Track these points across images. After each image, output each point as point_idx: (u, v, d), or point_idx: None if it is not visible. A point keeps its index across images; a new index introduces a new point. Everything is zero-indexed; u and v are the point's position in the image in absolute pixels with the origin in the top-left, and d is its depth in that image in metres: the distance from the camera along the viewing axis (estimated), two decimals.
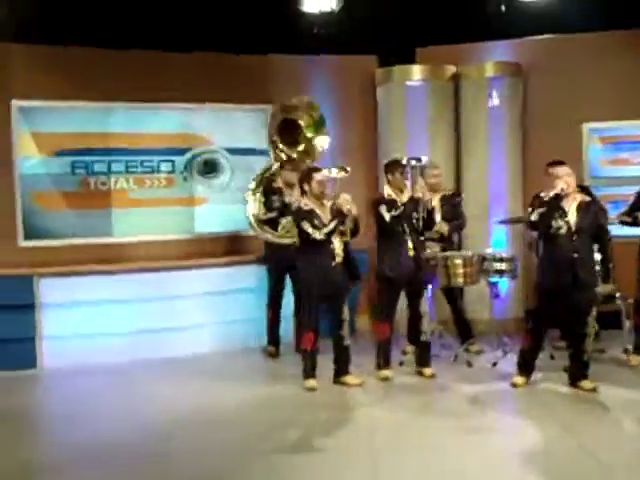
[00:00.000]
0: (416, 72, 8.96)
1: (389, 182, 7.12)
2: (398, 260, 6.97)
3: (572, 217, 6.46)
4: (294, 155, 8.16)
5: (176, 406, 6.53)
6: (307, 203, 6.86)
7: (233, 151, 9.22)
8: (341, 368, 6.88)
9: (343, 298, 6.85)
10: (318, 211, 6.82)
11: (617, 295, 7.45)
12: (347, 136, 9.18)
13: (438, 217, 7.47)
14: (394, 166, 7.13)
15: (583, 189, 7.72)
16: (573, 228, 6.44)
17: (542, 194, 7.56)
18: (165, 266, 8.36)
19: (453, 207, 7.76)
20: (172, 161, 9.00)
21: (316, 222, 6.74)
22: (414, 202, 6.98)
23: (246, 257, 8.68)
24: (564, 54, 8.95)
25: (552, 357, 7.39)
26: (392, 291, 7.09)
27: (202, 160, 9.10)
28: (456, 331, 7.91)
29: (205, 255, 8.71)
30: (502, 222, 8.02)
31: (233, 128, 9.18)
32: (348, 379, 6.85)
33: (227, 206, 9.04)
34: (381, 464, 5.17)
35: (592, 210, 6.54)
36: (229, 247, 9.01)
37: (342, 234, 6.86)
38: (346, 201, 6.74)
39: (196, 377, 7.39)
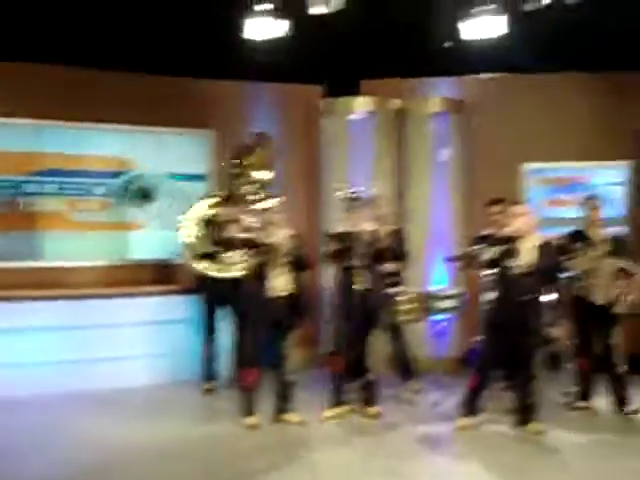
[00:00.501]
0: (360, 104, 8.87)
1: (345, 216, 6.96)
2: (347, 294, 6.82)
3: (527, 257, 6.36)
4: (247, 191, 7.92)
5: (107, 443, 6.16)
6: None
7: (170, 176, 8.92)
8: (281, 405, 6.63)
9: (284, 334, 6.62)
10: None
11: (559, 337, 7.41)
12: (289, 166, 9.00)
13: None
14: (347, 201, 7.00)
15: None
16: (527, 269, 6.35)
17: (485, 232, 7.55)
18: (96, 293, 8.01)
19: (400, 243, 7.63)
20: (107, 184, 8.66)
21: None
22: (362, 235, 6.83)
23: (177, 287, 8.35)
24: (507, 93, 9.02)
25: (495, 397, 7.28)
26: (343, 325, 6.89)
27: (138, 184, 8.78)
28: (396, 368, 7.72)
29: (137, 283, 8.36)
30: (451, 259, 7.91)
31: (171, 153, 8.90)
32: (289, 417, 6.60)
33: (163, 232, 8.72)
34: None
35: (550, 251, 6.48)
36: (160, 275, 8.67)
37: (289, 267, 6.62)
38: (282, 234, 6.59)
39: (128, 411, 7.04)
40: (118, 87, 8.53)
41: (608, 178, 8.93)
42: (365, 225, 6.83)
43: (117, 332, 7.87)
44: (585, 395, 7.11)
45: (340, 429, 6.60)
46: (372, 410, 6.85)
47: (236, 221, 7.86)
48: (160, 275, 8.61)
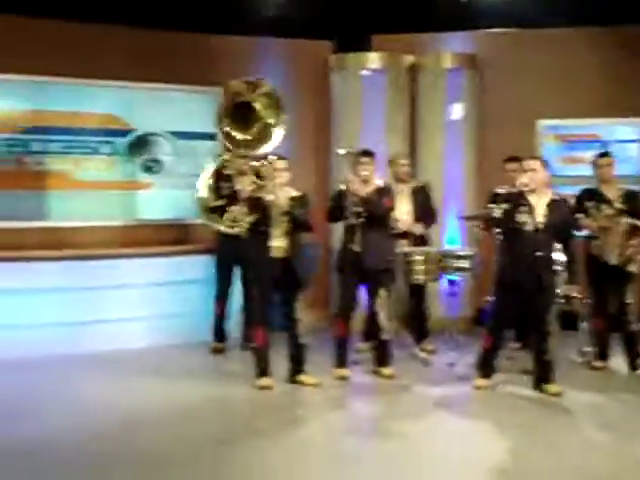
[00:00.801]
0: (372, 60, 8.67)
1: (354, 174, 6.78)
2: (345, 255, 6.70)
3: (540, 214, 6.24)
4: (247, 138, 7.72)
5: (120, 405, 6.07)
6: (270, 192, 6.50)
7: (178, 135, 8.75)
8: (295, 367, 6.54)
9: (292, 295, 6.49)
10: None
11: (575, 296, 7.30)
12: (299, 123, 8.79)
13: (406, 209, 7.21)
14: (354, 156, 6.82)
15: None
16: (539, 225, 6.22)
17: (500, 190, 7.41)
18: (104, 254, 7.88)
19: (425, 201, 7.52)
20: (113, 143, 8.49)
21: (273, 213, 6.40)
22: (366, 196, 6.67)
23: (192, 246, 8.25)
24: (521, 49, 8.81)
25: (509, 358, 7.20)
26: (343, 286, 6.80)
27: (145, 143, 8.61)
28: (411, 329, 7.64)
29: (147, 243, 8.24)
30: (465, 218, 7.78)
31: (178, 110, 8.71)
32: (304, 378, 6.51)
33: (172, 192, 8.60)
34: (342, 469, 4.87)
35: (562, 209, 6.34)
36: (172, 235, 8.56)
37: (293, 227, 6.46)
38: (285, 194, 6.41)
39: (139, 374, 6.93)
40: (122, 43, 8.33)
41: (623, 135, 8.74)
42: (365, 184, 6.68)
43: (126, 293, 7.77)
44: (602, 355, 7.04)
45: (354, 390, 6.53)
46: (386, 371, 6.76)
47: (244, 173, 7.70)
48: (171, 235, 8.48)
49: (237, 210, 7.54)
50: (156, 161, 8.66)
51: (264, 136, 7.70)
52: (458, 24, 8.97)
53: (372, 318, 6.88)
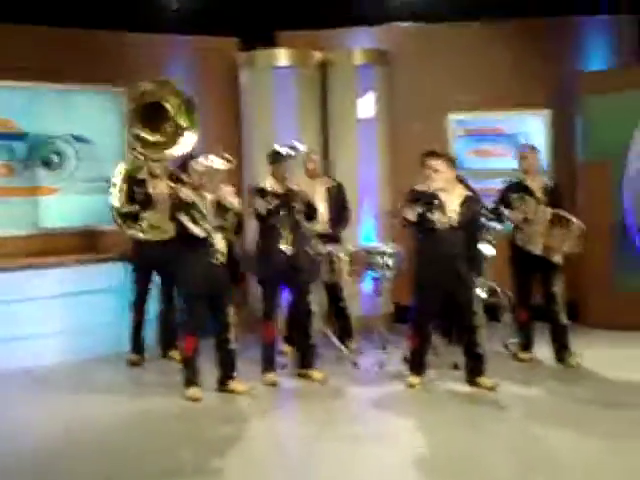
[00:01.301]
0: (282, 57, 8.49)
1: (272, 173, 6.62)
2: (271, 256, 6.52)
3: (453, 211, 6.24)
4: (157, 140, 7.43)
5: (33, 427, 5.69)
6: (188, 194, 6.22)
7: (79, 138, 8.31)
8: (226, 374, 6.30)
9: (226, 299, 6.28)
10: (199, 202, 6.20)
11: (497, 289, 7.36)
12: (207, 122, 8.52)
13: (322, 207, 7.08)
14: (275, 157, 6.64)
15: (460, 181, 7.62)
16: (453, 223, 6.22)
17: (419, 187, 7.37)
18: (9, 266, 7.39)
19: (340, 201, 7.41)
20: (9, 147, 7.98)
21: (197, 216, 6.12)
22: (292, 194, 6.55)
23: (101, 254, 7.86)
24: (429, 43, 8.82)
25: (435, 353, 7.17)
26: (269, 289, 6.62)
27: (46, 147, 8.15)
28: (335, 329, 7.52)
29: (52, 252, 7.79)
30: (387, 214, 7.70)
31: (81, 112, 8.28)
32: (234, 386, 6.28)
33: (77, 197, 8.18)
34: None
35: (473, 205, 6.36)
36: (79, 243, 8.13)
37: (223, 230, 6.27)
38: (228, 194, 6.17)
39: (53, 391, 6.58)
40: (21, 40, 7.85)
41: (529, 127, 8.88)
42: (295, 182, 6.55)
43: (31, 306, 7.32)
44: (527, 345, 7.09)
45: (286, 396, 6.36)
46: (317, 374, 6.61)
47: (157, 177, 7.42)
48: (78, 243, 8.06)
49: (153, 216, 7.28)
50: (56, 163, 8.19)
51: (175, 137, 7.48)
52: (364, 20, 8.91)
53: (295, 319, 6.74)
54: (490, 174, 8.67)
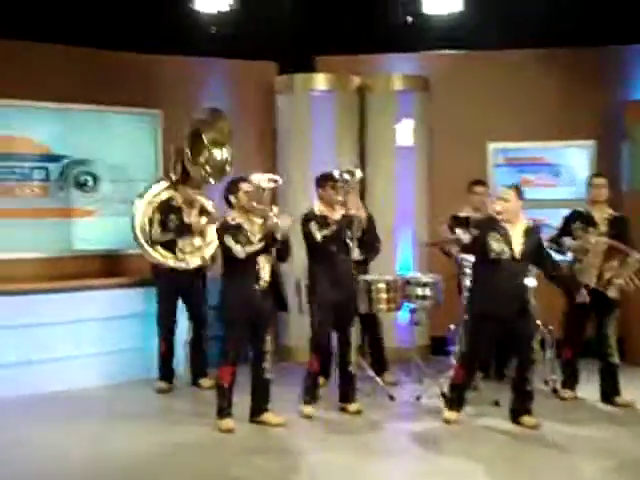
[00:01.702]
0: (320, 81, 8.36)
1: (320, 197, 6.45)
2: (329, 284, 6.32)
3: (517, 242, 6.01)
4: (199, 171, 7.30)
5: (60, 455, 5.50)
6: (234, 217, 6.07)
7: (113, 160, 8.20)
8: (260, 405, 6.10)
9: (266, 327, 6.07)
10: (246, 226, 6.02)
11: (539, 323, 7.10)
12: (243, 147, 8.43)
13: None
14: (325, 180, 6.47)
15: None
16: (518, 254, 5.99)
17: (462, 214, 7.20)
18: (36, 288, 7.23)
19: (370, 229, 7.20)
20: (46, 168, 7.89)
21: (241, 238, 5.94)
22: (348, 220, 6.35)
23: (128, 279, 7.69)
24: (471, 70, 8.65)
25: (475, 388, 6.93)
26: (322, 319, 6.35)
27: (79, 169, 8.05)
28: (371, 360, 7.30)
29: (83, 276, 7.66)
30: (428, 245, 7.51)
31: (115, 134, 8.19)
32: (268, 418, 6.07)
33: (108, 220, 8.07)
34: None
35: (536, 235, 6.14)
36: (109, 267, 8.01)
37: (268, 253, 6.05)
38: (284, 219, 5.93)
39: (77, 418, 6.38)
40: (55, 61, 7.81)
41: (573, 158, 8.67)
42: (353, 209, 6.38)
43: (62, 330, 7.18)
44: (570, 383, 6.81)
45: (322, 429, 6.12)
46: (353, 407, 6.40)
47: (193, 205, 7.29)
48: (109, 267, 7.95)
49: (190, 245, 7.15)
50: (90, 186, 8.09)
51: (219, 170, 7.33)
52: (404, 45, 8.78)
53: (332, 351, 6.55)
54: (531, 204, 8.46)
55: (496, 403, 6.49)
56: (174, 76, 8.33)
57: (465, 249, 6.34)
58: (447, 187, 8.24)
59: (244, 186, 6.04)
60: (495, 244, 5.97)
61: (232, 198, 6.06)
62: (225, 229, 5.95)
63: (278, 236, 5.86)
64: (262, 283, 5.96)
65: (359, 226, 6.34)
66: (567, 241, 6.64)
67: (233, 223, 5.98)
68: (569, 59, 8.53)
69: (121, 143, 8.23)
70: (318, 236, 6.23)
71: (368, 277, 6.84)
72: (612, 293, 6.42)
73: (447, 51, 8.79)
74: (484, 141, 8.65)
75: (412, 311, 7.11)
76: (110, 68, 8.03)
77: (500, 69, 8.58)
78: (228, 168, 7.31)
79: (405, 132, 8.36)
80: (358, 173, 6.46)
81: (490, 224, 6.08)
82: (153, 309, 7.32)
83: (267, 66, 8.71)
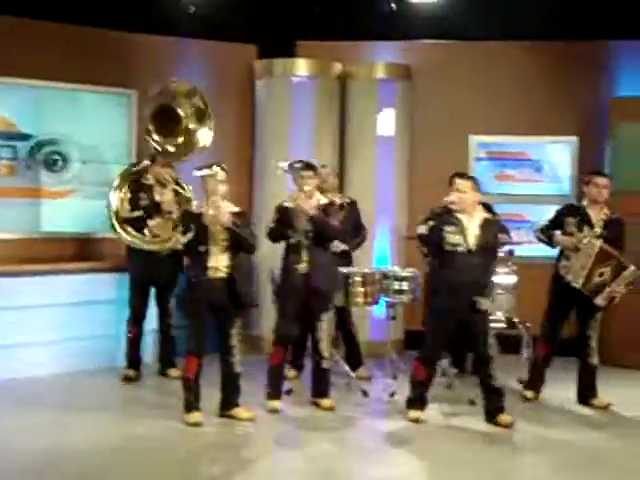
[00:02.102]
0: (301, 67, 8.15)
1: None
2: (286, 275, 6.16)
3: (472, 234, 5.87)
4: (170, 149, 7.09)
5: (10, 448, 5.24)
6: (200, 204, 5.85)
7: (85, 140, 7.92)
8: (230, 399, 5.90)
9: (229, 321, 5.85)
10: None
11: (517, 320, 6.98)
12: (220, 132, 8.19)
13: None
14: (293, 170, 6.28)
15: (484, 206, 7.25)
16: (473, 247, 5.86)
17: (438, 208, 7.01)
18: (5, 271, 6.97)
19: (352, 218, 7.03)
20: (14, 147, 7.61)
21: (191, 226, 5.75)
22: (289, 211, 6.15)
23: (101, 264, 7.47)
24: (454, 61, 8.48)
25: (449, 386, 6.80)
26: (286, 310, 6.20)
27: (49, 148, 7.77)
28: (345, 355, 7.13)
29: (52, 260, 7.40)
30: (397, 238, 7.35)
31: (87, 113, 7.91)
32: (238, 412, 5.88)
33: (82, 202, 7.78)
34: None
35: (493, 229, 5.98)
36: (81, 250, 7.74)
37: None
38: (213, 206, 5.72)
39: (37, 406, 6.13)
40: (25, 37, 7.49)
41: (555, 154, 8.53)
42: (313, 199, 6.16)
43: (29, 314, 6.92)
44: (535, 384, 6.63)
45: (293, 425, 5.94)
46: (326, 402, 6.22)
47: (165, 185, 7.06)
48: (80, 250, 7.68)
49: (158, 224, 6.94)
50: (60, 167, 7.82)
51: (190, 146, 7.14)
52: (388, 33, 8.57)
53: (303, 344, 6.40)
54: (511, 199, 8.35)
55: (472, 402, 6.34)
56: (151, 56, 8.07)
57: (422, 241, 6.17)
58: (427, 179, 8.08)
59: (203, 172, 5.81)
60: (450, 236, 5.84)
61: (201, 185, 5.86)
62: (181, 216, 5.77)
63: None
64: (211, 273, 5.74)
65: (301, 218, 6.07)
66: (558, 235, 6.46)
67: (194, 211, 5.78)
68: (555, 53, 8.36)
69: (94, 123, 7.93)
70: (270, 224, 6.12)
71: (345, 270, 6.64)
72: (600, 301, 6.22)
73: (431, 40, 8.58)
74: (466, 134, 8.48)
75: (389, 305, 6.95)
76: (84, 45, 7.74)
77: (484, 61, 8.42)
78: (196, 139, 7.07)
79: (386, 121, 8.17)
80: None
81: (446, 216, 5.94)
82: (126, 295, 7.10)
83: (247, 49, 8.48)
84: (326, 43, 8.51)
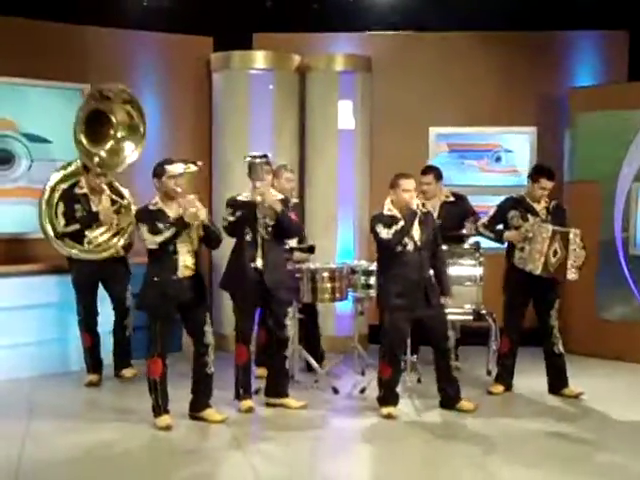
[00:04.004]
0: (259, 59, 7.98)
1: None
2: (241, 272, 5.99)
3: (416, 232, 5.87)
4: (100, 154, 6.83)
5: None
6: (157, 202, 5.67)
7: (32, 137, 7.65)
8: (201, 401, 5.74)
9: (200, 319, 5.70)
10: (169, 212, 5.63)
11: (484, 312, 6.94)
12: (177, 126, 8.04)
13: None
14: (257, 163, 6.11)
15: (458, 197, 7.21)
16: (420, 243, 5.86)
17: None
18: None
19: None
20: None
21: (160, 226, 5.54)
22: (253, 205, 5.97)
23: (38, 266, 7.16)
24: (413, 52, 8.42)
25: (420, 381, 6.74)
26: (243, 308, 6.08)
27: None
28: (309, 352, 7.00)
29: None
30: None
31: (34, 108, 7.61)
32: (209, 414, 5.72)
33: (24, 202, 7.49)
34: None
35: (430, 222, 5.97)
36: (19, 252, 7.43)
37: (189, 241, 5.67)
38: (189, 203, 5.55)
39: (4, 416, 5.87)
40: None
41: (515, 145, 8.52)
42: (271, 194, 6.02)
43: None
44: (503, 378, 6.61)
45: (264, 425, 5.82)
46: (292, 402, 6.09)
47: (101, 193, 6.81)
48: (17, 252, 7.39)
49: (98, 235, 6.72)
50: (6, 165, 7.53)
51: (117, 154, 6.88)
52: (346, 25, 8.49)
53: (268, 342, 6.22)
54: (472, 191, 8.30)
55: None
56: (103, 49, 7.85)
57: (383, 245, 5.99)
58: (388, 173, 7.96)
59: (170, 170, 5.63)
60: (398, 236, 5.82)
61: (156, 182, 5.66)
62: (141, 216, 5.61)
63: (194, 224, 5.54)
64: (181, 273, 5.59)
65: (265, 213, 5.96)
66: (506, 232, 6.47)
67: (153, 209, 5.61)
68: (514, 43, 8.35)
69: (42, 119, 7.66)
70: (228, 220, 5.95)
71: (312, 266, 6.53)
72: (572, 276, 6.24)
73: (390, 32, 8.50)
74: (426, 125, 8.43)
75: (357, 300, 6.85)
76: (32, 38, 7.49)
77: (443, 52, 8.37)
78: (121, 167, 6.86)
79: (346, 113, 8.07)
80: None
81: (390, 218, 5.89)
82: (66, 298, 6.88)
83: (203, 41, 8.29)
84: (284, 35, 8.38)
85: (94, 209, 6.74)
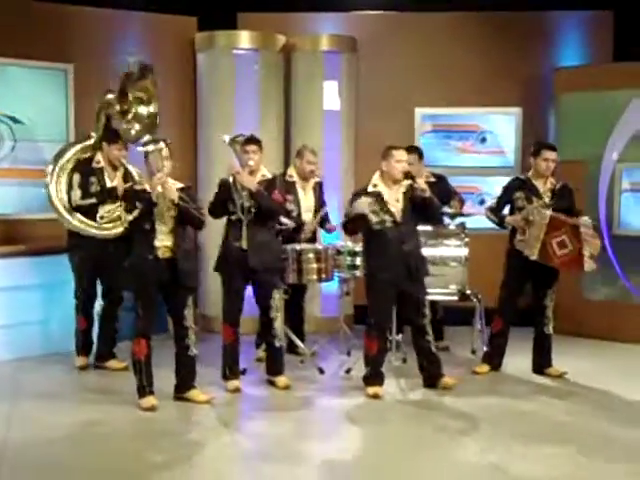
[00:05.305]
0: (243, 39, 7.94)
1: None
2: (227, 252, 6.02)
3: (394, 206, 5.87)
4: (129, 130, 6.78)
5: None
6: (142, 181, 5.65)
7: (17, 118, 7.56)
8: (185, 382, 5.75)
9: (180, 301, 5.67)
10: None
11: (469, 292, 6.96)
12: (161, 107, 7.90)
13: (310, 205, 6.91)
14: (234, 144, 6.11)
15: (438, 178, 7.21)
16: (399, 218, 5.87)
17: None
18: None
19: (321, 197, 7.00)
20: None
21: (138, 205, 5.54)
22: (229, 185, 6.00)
23: (29, 246, 7.13)
24: (399, 32, 8.40)
25: (405, 360, 6.77)
26: (225, 287, 6.10)
27: None
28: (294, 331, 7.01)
29: None
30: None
31: (18, 88, 7.54)
32: (193, 395, 5.73)
33: (9, 181, 7.45)
34: None
35: (415, 194, 5.90)
36: (1, 234, 7.35)
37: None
38: (156, 182, 5.52)
39: None
40: None
41: (500, 125, 8.53)
42: (252, 175, 5.99)
43: None
44: (491, 358, 6.64)
45: (250, 406, 5.84)
46: (281, 381, 6.12)
47: (117, 168, 6.77)
48: (4, 233, 7.31)
49: (111, 211, 6.67)
50: None
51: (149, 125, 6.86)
52: (332, 4, 8.45)
53: (263, 323, 6.23)
54: (457, 171, 8.32)
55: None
56: (87, 29, 7.77)
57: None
58: (373, 153, 7.95)
59: (149, 148, 5.61)
60: (373, 216, 5.83)
61: (144, 161, 5.65)
62: (124, 195, 5.59)
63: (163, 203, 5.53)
64: (160, 253, 5.57)
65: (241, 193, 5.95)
66: (508, 217, 6.45)
67: (138, 188, 5.60)
68: (498, 23, 8.36)
69: (26, 99, 7.59)
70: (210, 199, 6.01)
71: (297, 246, 6.52)
72: (589, 266, 6.18)
73: (376, 12, 8.46)
74: (412, 106, 8.42)
75: (343, 281, 6.86)
76: (14, 18, 7.41)
77: (428, 32, 8.36)
78: (157, 120, 6.83)
79: (332, 95, 8.04)
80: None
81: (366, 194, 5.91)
82: (50, 280, 6.87)
83: (187, 21, 8.24)
84: (268, 15, 8.33)
85: (109, 184, 6.69)
